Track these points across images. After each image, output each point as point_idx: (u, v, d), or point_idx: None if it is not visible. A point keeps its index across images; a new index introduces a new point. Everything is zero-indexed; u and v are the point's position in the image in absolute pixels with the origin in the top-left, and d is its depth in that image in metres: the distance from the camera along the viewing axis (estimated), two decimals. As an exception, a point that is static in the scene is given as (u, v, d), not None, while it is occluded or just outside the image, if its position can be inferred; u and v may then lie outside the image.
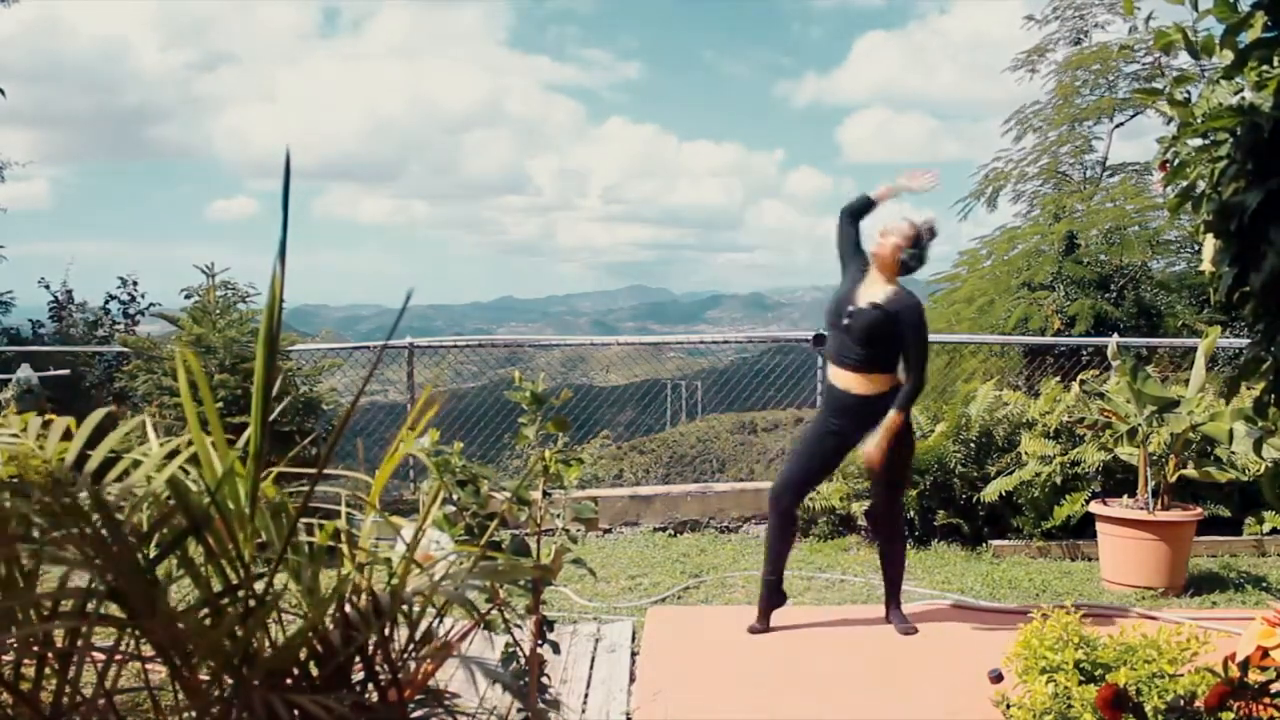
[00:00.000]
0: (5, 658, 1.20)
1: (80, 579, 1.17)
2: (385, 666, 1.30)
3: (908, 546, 5.73)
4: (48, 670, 1.17)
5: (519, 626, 2.24)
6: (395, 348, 6.80)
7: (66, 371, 7.34)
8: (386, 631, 1.30)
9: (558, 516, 2.41)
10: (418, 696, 1.35)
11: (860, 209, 4.13)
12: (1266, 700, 1.86)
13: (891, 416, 3.89)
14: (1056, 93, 14.41)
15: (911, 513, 5.78)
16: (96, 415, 1.42)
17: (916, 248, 3.99)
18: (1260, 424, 2.07)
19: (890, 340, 3.93)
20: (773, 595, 4.13)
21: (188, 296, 6.07)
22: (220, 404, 5.43)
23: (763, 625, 4.10)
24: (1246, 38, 1.84)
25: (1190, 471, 5.12)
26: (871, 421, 3.94)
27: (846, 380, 3.99)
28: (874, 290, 3.97)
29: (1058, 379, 6.72)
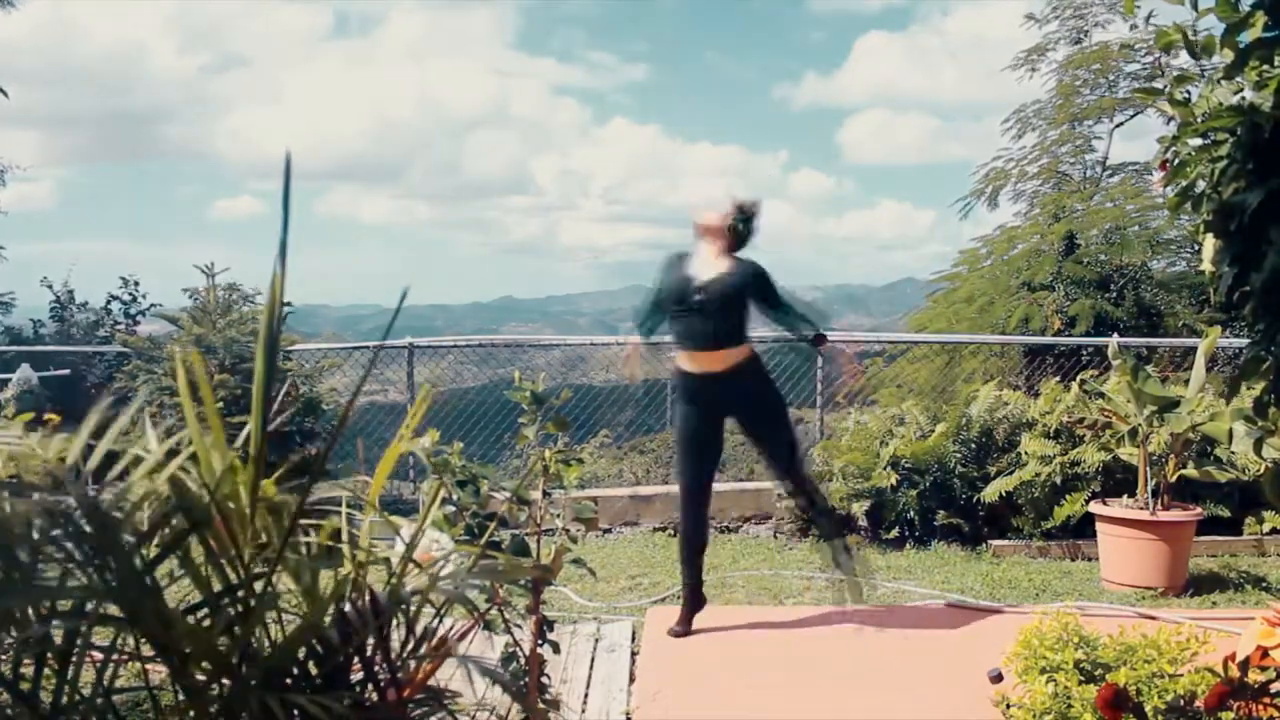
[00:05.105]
0: (5, 658, 1.20)
1: (80, 578, 1.17)
2: (384, 666, 1.30)
3: (907, 546, 5.75)
4: (47, 670, 1.17)
5: (519, 626, 2.24)
6: (395, 347, 6.80)
7: (67, 371, 7.35)
8: (385, 631, 1.30)
9: (558, 516, 2.41)
10: (417, 696, 1.35)
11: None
12: (1266, 700, 1.86)
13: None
14: (1057, 92, 14.39)
15: (912, 513, 5.78)
16: (93, 418, 1.42)
17: (744, 216, 4.01)
18: (1260, 424, 2.07)
19: (743, 309, 3.96)
20: (695, 599, 4.14)
21: (192, 297, 6.07)
22: (220, 404, 5.42)
23: (685, 628, 4.08)
24: (1247, 37, 1.84)
25: (1190, 471, 5.12)
26: (737, 393, 3.99)
27: (707, 361, 3.96)
28: (716, 265, 3.96)
29: (1058, 379, 6.72)
